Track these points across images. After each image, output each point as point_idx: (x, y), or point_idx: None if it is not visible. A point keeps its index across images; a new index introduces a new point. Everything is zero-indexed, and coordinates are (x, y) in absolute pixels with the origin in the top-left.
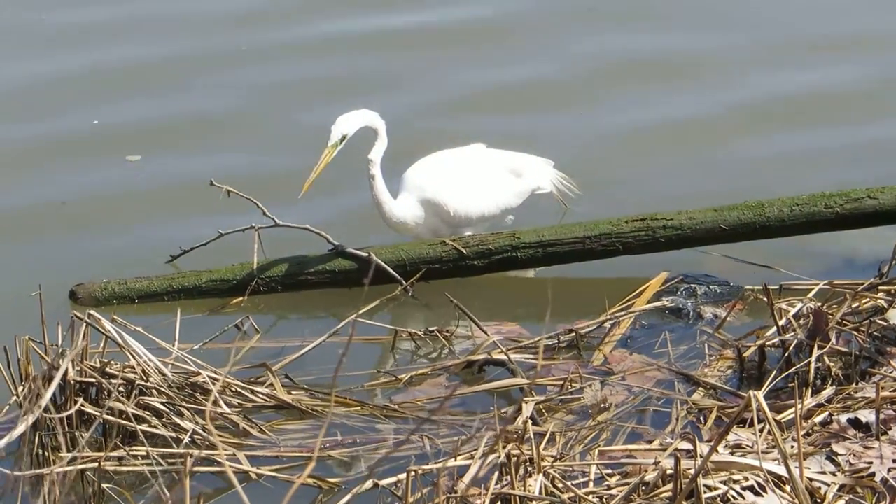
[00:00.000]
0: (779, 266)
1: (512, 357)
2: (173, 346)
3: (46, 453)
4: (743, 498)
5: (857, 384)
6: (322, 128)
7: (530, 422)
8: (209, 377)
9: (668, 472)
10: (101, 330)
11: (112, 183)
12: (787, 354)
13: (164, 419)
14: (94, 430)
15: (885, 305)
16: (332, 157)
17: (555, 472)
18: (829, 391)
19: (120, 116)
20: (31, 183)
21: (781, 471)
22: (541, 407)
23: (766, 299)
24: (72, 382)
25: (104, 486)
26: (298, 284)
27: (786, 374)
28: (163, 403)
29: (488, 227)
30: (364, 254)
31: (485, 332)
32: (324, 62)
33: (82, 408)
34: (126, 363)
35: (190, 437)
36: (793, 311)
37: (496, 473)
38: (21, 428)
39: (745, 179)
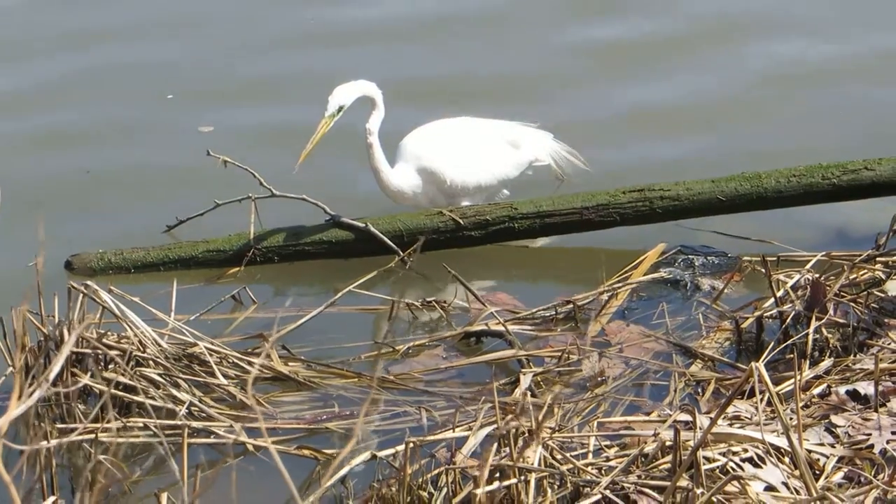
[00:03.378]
0: (776, 237)
1: (510, 328)
2: (170, 316)
3: (43, 424)
4: (742, 470)
5: (855, 356)
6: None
7: (528, 393)
8: (207, 348)
9: (668, 443)
10: (98, 301)
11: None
12: (784, 326)
13: (161, 390)
14: (91, 402)
15: (883, 277)
16: (328, 128)
17: (553, 443)
18: (827, 363)
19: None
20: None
21: (781, 442)
22: (539, 378)
23: (763, 271)
24: (69, 354)
25: (100, 457)
26: (295, 255)
27: (784, 345)
28: (160, 374)
29: (486, 197)
30: (361, 224)
31: (482, 304)
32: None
33: (79, 379)
34: (122, 334)
35: (187, 408)
36: (791, 282)
37: (494, 445)
38: (27, 404)
39: (743, 150)
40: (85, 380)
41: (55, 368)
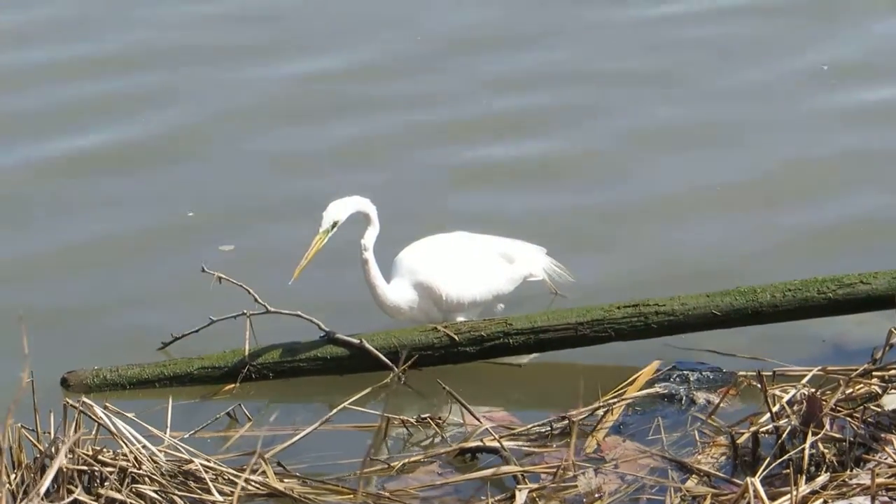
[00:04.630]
0: (772, 350)
1: (505, 444)
2: (165, 433)
3: None
4: None
5: (851, 471)
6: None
7: None
8: (202, 465)
9: None
10: (94, 417)
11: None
12: (780, 441)
13: None
14: None
15: (879, 391)
16: (323, 244)
17: None
18: (823, 478)
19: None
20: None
21: None
22: (534, 495)
23: (759, 385)
24: (65, 470)
25: None
26: (290, 371)
27: (780, 460)
28: (155, 491)
29: (481, 312)
30: (355, 340)
31: (477, 419)
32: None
33: (77, 498)
34: (118, 450)
35: None
36: (786, 397)
37: None
38: None
39: (737, 265)
40: (76, 494)
41: (46, 482)
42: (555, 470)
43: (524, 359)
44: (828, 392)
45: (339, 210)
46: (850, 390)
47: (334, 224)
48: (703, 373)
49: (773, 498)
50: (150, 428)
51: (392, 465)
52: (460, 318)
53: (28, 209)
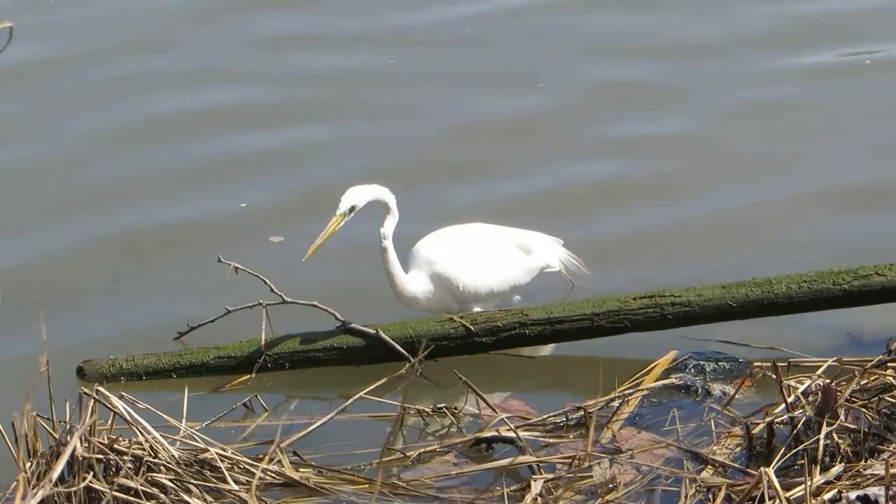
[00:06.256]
0: (787, 341)
1: (520, 434)
2: (181, 423)
3: None
4: None
5: (866, 461)
6: None
7: (539, 499)
8: (218, 454)
9: None
10: (109, 406)
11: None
12: (795, 431)
13: (171, 496)
14: None
15: (894, 382)
16: (338, 227)
17: None
18: (838, 468)
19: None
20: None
21: None
22: (549, 485)
23: (774, 376)
24: (80, 458)
25: None
26: (306, 361)
27: (795, 451)
28: (171, 480)
29: (498, 303)
30: (372, 331)
31: (493, 410)
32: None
33: (91, 484)
34: (134, 439)
35: None
36: (801, 388)
37: None
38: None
39: (753, 256)
40: (89, 480)
41: (59, 467)
42: (570, 460)
43: (541, 350)
44: (843, 383)
45: (357, 195)
46: (865, 381)
47: (352, 209)
48: (719, 363)
49: (787, 488)
50: (166, 417)
51: (408, 454)
52: (477, 309)
53: (48, 202)
